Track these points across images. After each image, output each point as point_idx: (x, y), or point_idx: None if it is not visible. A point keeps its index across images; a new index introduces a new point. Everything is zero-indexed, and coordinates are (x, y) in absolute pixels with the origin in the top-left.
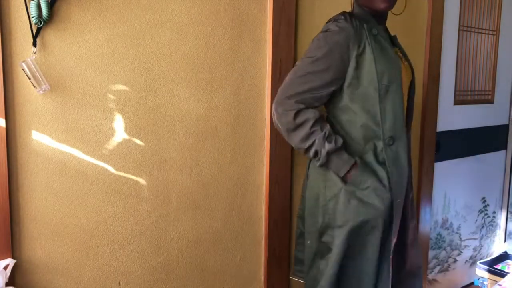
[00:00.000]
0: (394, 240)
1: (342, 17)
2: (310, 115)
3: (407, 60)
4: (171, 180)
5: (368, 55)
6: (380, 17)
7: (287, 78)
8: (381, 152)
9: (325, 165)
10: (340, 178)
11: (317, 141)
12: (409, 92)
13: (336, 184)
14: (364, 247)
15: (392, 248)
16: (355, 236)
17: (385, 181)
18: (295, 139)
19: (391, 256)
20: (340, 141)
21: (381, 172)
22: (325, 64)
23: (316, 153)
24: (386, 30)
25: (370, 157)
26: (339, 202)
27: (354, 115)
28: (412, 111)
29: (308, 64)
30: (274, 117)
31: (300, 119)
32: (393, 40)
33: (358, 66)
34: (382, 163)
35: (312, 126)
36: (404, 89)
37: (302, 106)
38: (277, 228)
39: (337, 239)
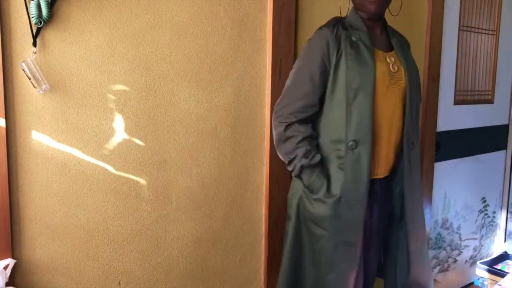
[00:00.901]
0: (353, 238)
1: (326, 24)
2: (300, 131)
3: (405, 65)
4: (171, 180)
5: (343, 61)
6: (373, 20)
7: (283, 90)
8: (343, 156)
9: (298, 176)
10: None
11: (298, 155)
12: (409, 99)
13: (298, 183)
14: (312, 240)
15: (351, 245)
16: (305, 230)
17: (336, 190)
18: (282, 151)
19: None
20: (316, 158)
21: (336, 180)
22: (311, 69)
23: (294, 166)
24: (386, 33)
25: (332, 161)
26: (295, 200)
27: (328, 118)
28: (415, 120)
29: (297, 73)
30: (272, 128)
31: (289, 132)
32: (393, 44)
33: (335, 71)
34: (341, 168)
35: (299, 142)
36: (393, 95)
37: (294, 119)
38: (277, 228)
39: (289, 232)
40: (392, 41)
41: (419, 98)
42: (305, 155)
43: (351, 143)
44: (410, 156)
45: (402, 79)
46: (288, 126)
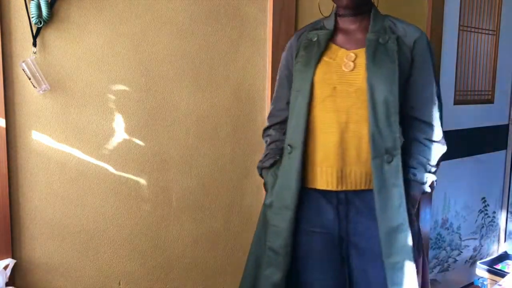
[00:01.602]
0: (277, 245)
1: (303, 27)
2: (270, 135)
3: (369, 63)
4: (171, 180)
5: (296, 64)
6: (349, 15)
7: None
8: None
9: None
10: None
11: (262, 159)
12: (372, 101)
13: None
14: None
15: (276, 253)
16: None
17: (272, 195)
18: None
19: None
20: (267, 163)
21: (276, 185)
22: (280, 75)
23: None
24: (367, 29)
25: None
26: None
27: None
28: (386, 126)
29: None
30: None
31: (264, 138)
32: (366, 41)
33: (294, 76)
34: (279, 172)
35: (267, 145)
36: (346, 97)
37: (268, 123)
38: None
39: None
40: (368, 36)
41: (393, 100)
42: (263, 159)
43: (288, 147)
44: (383, 170)
45: (358, 79)
46: (264, 131)
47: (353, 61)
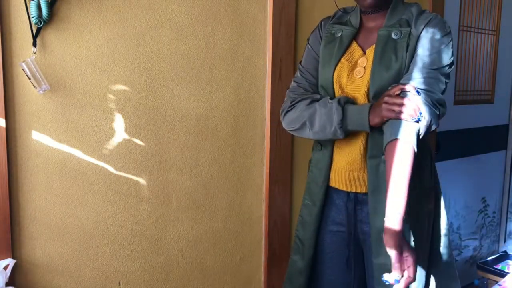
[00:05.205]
0: (302, 236)
1: (331, 16)
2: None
3: (374, 68)
4: (171, 180)
5: (319, 56)
6: (372, 13)
7: None
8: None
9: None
10: None
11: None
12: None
13: None
14: None
15: (301, 242)
16: None
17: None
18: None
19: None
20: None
21: (308, 177)
22: (304, 63)
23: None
24: (383, 27)
25: None
26: None
27: None
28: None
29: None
30: None
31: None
32: (377, 40)
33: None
34: (312, 165)
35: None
36: (357, 101)
37: (289, 103)
38: (277, 228)
39: None
40: (379, 32)
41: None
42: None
43: (318, 144)
44: (379, 171)
45: (363, 87)
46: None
47: (364, 67)
